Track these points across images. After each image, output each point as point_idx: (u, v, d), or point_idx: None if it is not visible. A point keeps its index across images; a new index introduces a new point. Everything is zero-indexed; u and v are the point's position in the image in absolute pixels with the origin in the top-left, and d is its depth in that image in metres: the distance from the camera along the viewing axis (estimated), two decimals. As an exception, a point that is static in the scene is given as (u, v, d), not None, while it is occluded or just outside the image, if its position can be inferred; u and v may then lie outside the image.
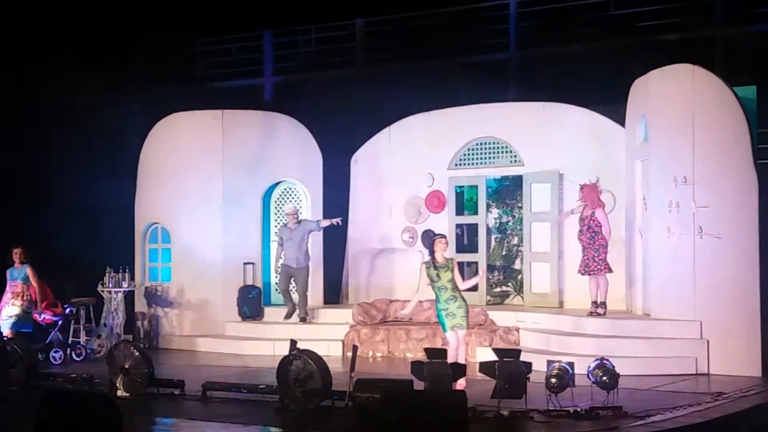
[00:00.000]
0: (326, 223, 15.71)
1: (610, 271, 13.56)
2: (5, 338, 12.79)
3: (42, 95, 17.63)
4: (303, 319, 15.37)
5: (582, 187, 13.84)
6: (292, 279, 15.50)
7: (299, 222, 15.52)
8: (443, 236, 11.73)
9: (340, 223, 15.83)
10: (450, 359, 10.65)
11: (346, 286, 17.07)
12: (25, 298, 13.74)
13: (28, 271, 13.81)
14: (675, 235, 12.95)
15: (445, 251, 11.49)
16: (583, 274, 13.63)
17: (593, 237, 13.48)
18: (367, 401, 9.20)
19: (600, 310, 13.47)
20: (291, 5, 19.38)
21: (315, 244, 16.77)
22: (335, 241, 16.98)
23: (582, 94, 15.70)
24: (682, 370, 12.21)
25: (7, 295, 13.82)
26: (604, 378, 9.89)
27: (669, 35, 17.11)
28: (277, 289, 16.25)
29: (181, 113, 16.84)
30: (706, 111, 12.85)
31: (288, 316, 15.36)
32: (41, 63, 17.22)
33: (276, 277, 16.42)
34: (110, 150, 17.34)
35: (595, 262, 13.49)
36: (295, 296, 15.53)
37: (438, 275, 11.31)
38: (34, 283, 13.81)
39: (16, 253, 13.83)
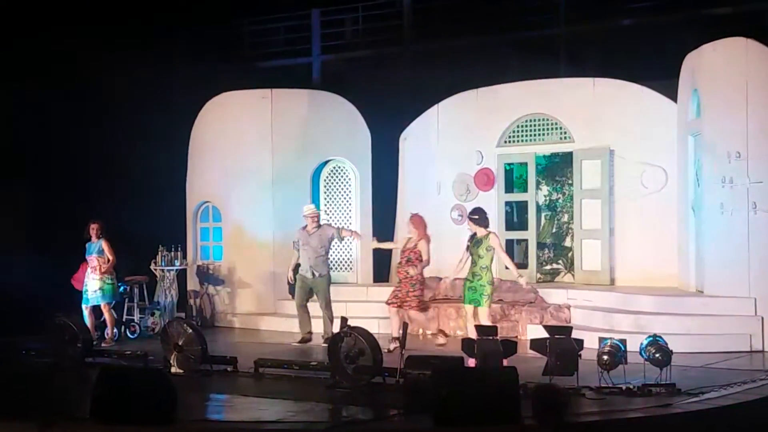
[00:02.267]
0: (347, 233, 14.31)
1: (421, 309, 12.98)
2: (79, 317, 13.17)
3: (94, 73, 17.81)
4: (326, 341, 12.94)
5: (412, 217, 13.31)
6: (310, 292, 13.85)
7: (319, 225, 13.92)
8: (475, 217, 11.78)
9: (360, 236, 14.71)
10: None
11: (394, 264, 17.09)
12: (103, 270, 13.93)
13: (103, 244, 13.99)
14: (729, 212, 12.81)
15: (485, 227, 11.67)
16: (390, 304, 12.95)
17: (412, 270, 12.83)
18: (417, 378, 9.24)
19: (392, 345, 12.29)
20: (339, -16, 19.40)
21: (364, 222, 16.81)
22: (384, 219, 17.00)
23: (632, 70, 15.53)
24: (736, 348, 12.09)
25: (88, 270, 14.00)
26: (657, 355, 9.82)
27: (721, 8, 16.85)
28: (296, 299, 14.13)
29: (230, 92, 16.93)
30: (760, 85, 12.66)
31: (303, 341, 13.68)
32: (93, 41, 17.38)
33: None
34: (162, 129, 17.50)
35: (409, 298, 12.84)
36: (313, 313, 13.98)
37: (470, 249, 11.72)
38: (110, 255, 13.97)
39: (93, 228, 13.99)
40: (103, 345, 13.70)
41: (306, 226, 13.87)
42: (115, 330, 14.32)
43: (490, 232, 11.83)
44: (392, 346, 12.34)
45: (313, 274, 13.65)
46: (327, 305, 13.69)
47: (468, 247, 11.74)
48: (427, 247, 13.00)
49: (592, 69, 16.25)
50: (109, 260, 13.94)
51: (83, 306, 13.90)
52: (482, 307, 11.65)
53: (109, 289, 14.00)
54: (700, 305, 12.89)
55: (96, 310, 14.07)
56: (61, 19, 17.66)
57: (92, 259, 13.95)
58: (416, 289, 12.91)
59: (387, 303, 13.09)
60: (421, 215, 13.42)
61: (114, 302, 14.28)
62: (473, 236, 11.78)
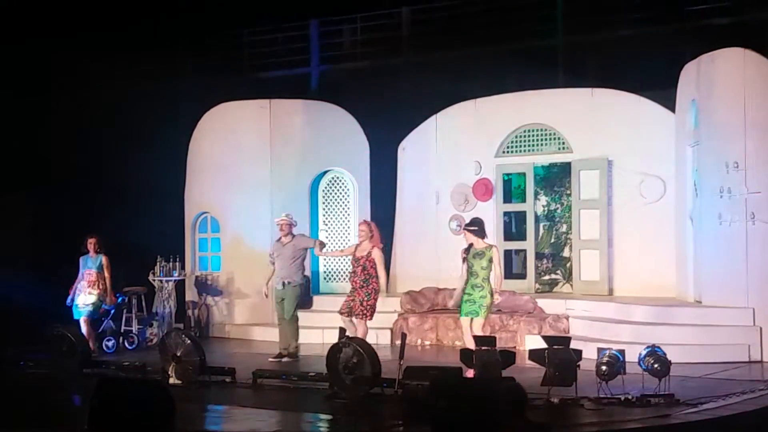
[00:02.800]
0: (320, 249, 13.73)
1: (371, 318, 12.54)
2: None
3: (93, 84, 17.83)
4: (290, 355, 13.26)
5: (362, 223, 13.05)
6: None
7: (293, 236, 13.66)
8: (472, 227, 11.60)
9: (320, 251, 13.86)
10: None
11: (393, 274, 17.09)
12: (100, 286, 13.94)
13: (103, 260, 14.00)
14: (727, 222, 12.82)
15: (477, 240, 11.45)
16: (344, 314, 12.49)
17: (367, 279, 12.45)
18: (416, 389, 9.23)
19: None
20: (336, -6, 19.42)
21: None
22: (383, 230, 16.90)
23: (631, 80, 15.55)
24: (734, 358, 12.09)
25: (83, 283, 13.96)
26: (656, 365, 9.82)
27: (719, 19, 16.86)
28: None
29: (229, 103, 16.96)
30: (758, 95, 12.69)
31: (278, 356, 13.27)
32: (92, 51, 17.41)
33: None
34: (161, 139, 17.51)
35: (362, 306, 12.40)
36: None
37: (469, 261, 11.40)
38: (107, 273, 14.00)
39: (91, 243, 13.99)
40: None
41: (280, 237, 13.67)
42: (112, 340, 14.32)
43: (491, 246, 11.65)
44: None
45: (283, 284, 13.42)
46: (291, 318, 13.40)
47: (465, 259, 11.46)
48: (381, 257, 12.59)
49: (591, 79, 16.26)
50: (105, 278, 13.96)
51: (80, 318, 13.87)
52: (479, 317, 11.47)
53: (99, 305, 14.03)
54: (698, 315, 12.89)
55: (93, 322, 14.06)
56: (59, 28, 17.69)
57: (91, 273, 13.95)
58: (371, 298, 12.49)
59: (339, 312, 12.63)
60: (372, 222, 13.17)
61: (95, 318, 14.26)
62: (470, 248, 11.55)
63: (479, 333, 11.40)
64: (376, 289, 12.55)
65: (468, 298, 11.43)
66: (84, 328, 13.78)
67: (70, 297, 13.96)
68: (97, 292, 13.91)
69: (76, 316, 13.91)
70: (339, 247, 16.52)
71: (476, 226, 11.63)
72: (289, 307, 13.43)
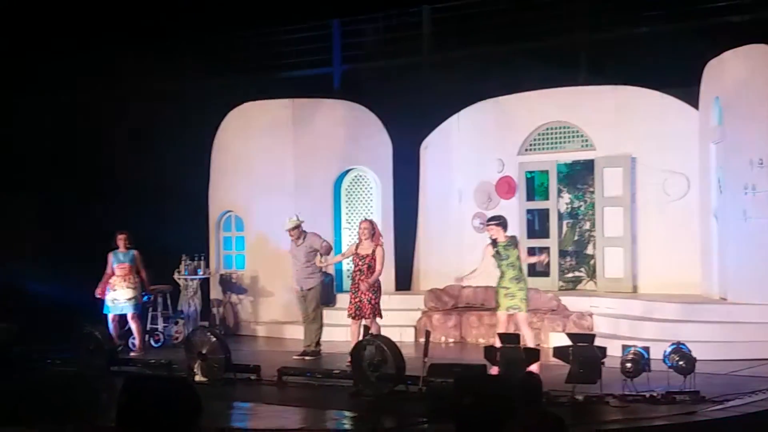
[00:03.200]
0: (321, 259, 13.32)
1: (378, 316, 12.42)
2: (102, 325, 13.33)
3: (118, 83, 17.96)
4: (312, 353, 13.34)
5: (363, 222, 12.92)
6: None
7: (305, 233, 13.64)
8: (494, 223, 11.61)
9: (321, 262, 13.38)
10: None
11: (416, 272, 17.11)
12: (134, 281, 14.06)
13: (135, 254, 14.12)
14: (751, 219, 12.75)
15: (496, 233, 11.46)
16: (354, 318, 12.42)
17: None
18: (440, 386, 9.25)
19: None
20: (358, -6, 19.45)
21: (386, 231, 16.84)
22: (406, 228, 17.04)
23: (654, 77, 15.48)
24: (760, 355, 12.02)
25: (115, 278, 14.03)
26: (681, 363, 9.80)
27: (742, 16, 16.76)
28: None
29: (252, 102, 17.02)
30: (783, 91, 12.61)
31: (303, 353, 13.36)
32: (117, 51, 17.54)
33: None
34: (184, 139, 17.61)
35: (371, 306, 12.34)
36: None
37: (501, 254, 11.40)
38: (141, 267, 14.12)
39: (121, 238, 14.11)
40: (132, 354, 13.78)
41: (291, 239, 13.68)
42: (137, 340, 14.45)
43: (513, 236, 11.74)
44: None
45: (301, 288, 13.52)
46: (314, 318, 13.44)
47: (496, 254, 11.46)
48: (382, 255, 12.59)
49: (614, 77, 16.20)
50: (139, 271, 14.08)
51: (109, 314, 13.97)
52: (523, 312, 11.46)
53: (140, 298, 14.17)
54: (723, 312, 12.84)
55: (120, 319, 14.16)
56: (85, 29, 17.83)
57: (124, 267, 14.03)
58: (378, 296, 12.47)
59: (348, 317, 12.59)
60: (373, 221, 13.14)
61: (140, 312, 14.43)
62: (495, 243, 11.55)
63: (525, 327, 11.41)
64: (378, 287, 12.52)
65: (507, 292, 11.40)
66: (133, 325, 14.02)
67: (98, 292, 14.05)
68: (133, 285, 14.02)
69: (111, 312, 13.99)
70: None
71: (499, 219, 11.68)
72: (309, 308, 13.51)
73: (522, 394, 7.40)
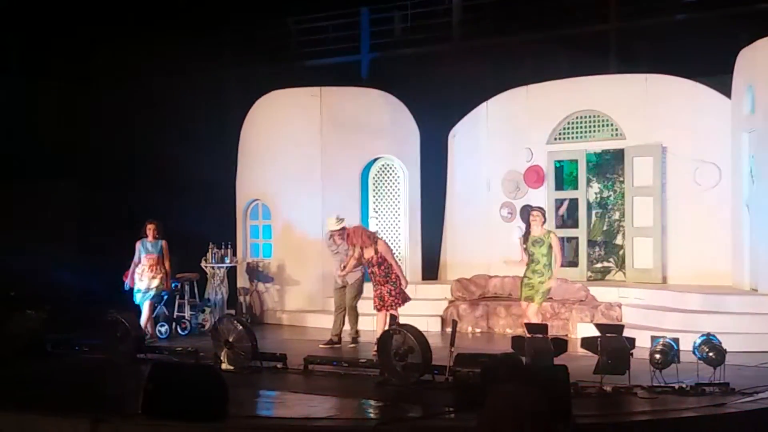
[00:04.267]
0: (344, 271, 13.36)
1: (403, 304, 12.59)
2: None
3: (145, 74, 18.01)
4: (353, 339, 13.50)
5: (351, 231, 12.98)
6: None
7: (345, 235, 13.40)
8: (538, 209, 11.82)
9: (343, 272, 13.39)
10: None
11: (443, 261, 17.06)
12: (161, 271, 14.11)
13: (163, 245, 14.16)
14: (784, 209, 12.60)
15: (542, 225, 11.64)
16: (379, 309, 12.60)
17: (387, 273, 12.53)
18: (467, 376, 9.19)
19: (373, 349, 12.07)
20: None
21: (413, 220, 16.82)
22: (433, 217, 16.98)
23: (685, 65, 15.34)
24: (791, 347, 11.89)
25: (142, 267, 14.06)
26: (711, 354, 9.69)
27: (776, 3, 16.58)
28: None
29: (279, 91, 17.00)
30: (817, 80, 12.43)
31: (329, 342, 13.44)
32: (144, 42, 17.59)
33: None
34: (212, 128, 17.67)
35: (392, 297, 12.51)
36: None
37: (529, 250, 11.69)
38: (167, 258, 14.16)
39: (151, 228, 14.13)
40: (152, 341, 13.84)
41: (332, 236, 13.72)
42: (165, 326, 14.47)
43: (550, 232, 11.81)
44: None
45: (341, 281, 13.53)
46: (352, 308, 13.48)
47: (525, 247, 11.71)
48: (387, 249, 12.75)
49: (645, 65, 16.07)
50: (164, 262, 14.11)
51: (143, 303, 14.01)
52: (534, 304, 11.68)
53: (162, 290, 14.19)
54: (754, 303, 12.70)
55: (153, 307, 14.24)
56: (111, 19, 17.88)
57: (152, 258, 14.07)
58: (397, 287, 12.55)
59: (375, 308, 12.74)
60: (360, 227, 13.31)
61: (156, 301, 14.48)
62: (527, 235, 11.73)
63: (534, 319, 11.54)
64: (399, 276, 12.62)
65: (527, 282, 11.74)
66: (147, 312, 14.00)
67: (127, 282, 14.10)
68: (159, 276, 14.07)
69: (139, 301, 14.05)
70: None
71: (543, 210, 11.97)
72: (349, 296, 13.47)
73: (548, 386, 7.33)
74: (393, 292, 12.53)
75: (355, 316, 13.64)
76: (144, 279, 14.01)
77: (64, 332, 13.43)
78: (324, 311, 16.00)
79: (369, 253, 12.71)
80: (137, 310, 13.89)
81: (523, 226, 15.85)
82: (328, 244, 13.98)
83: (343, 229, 13.47)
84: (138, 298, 14.03)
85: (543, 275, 11.68)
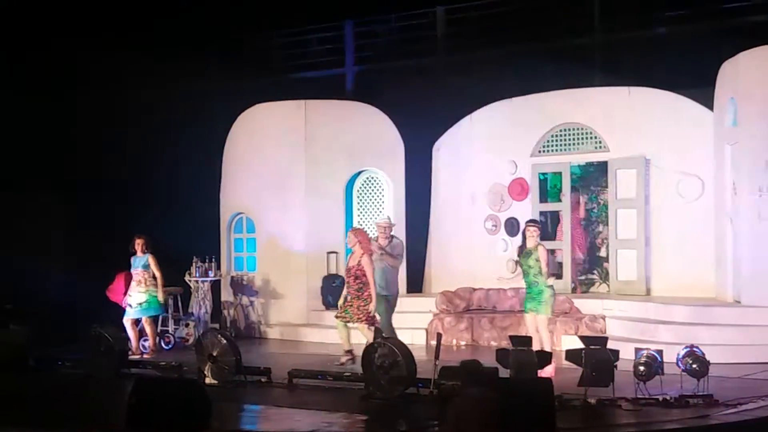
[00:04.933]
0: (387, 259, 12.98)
1: (370, 324, 12.39)
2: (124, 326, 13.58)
3: (130, 86, 17.97)
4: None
5: (350, 231, 13.00)
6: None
7: (392, 238, 13.13)
8: (535, 224, 11.87)
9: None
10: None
11: (428, 274, 17.05)
12: (148, 284, 14.07)
13: (150, 259, 14.13)
14: (766, 221, 12.66)
15: (535, 237, 11.66)
16: (345, 321, 12.55)
17: (361, 288, 12.36)
18: (451, 389, 9.19)
19: (344, 358, 12.57)
20: (371, -6, 19.43)
21: (398, 233, 16.76)
22: (418, 230, 16.99)
23: (668, 78, 15.41)
24: (774, 358, 11.93)
25: (132, 283, 14.11)
26: (694, 366, 9.72)
27: (757, 16, 16.66)
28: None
29: (263, 104, 17.01)
30: (798, 93, 12.51)
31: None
32: (129, 54, 17.56)
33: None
34: (196, 141, 17.62)
35: (359, 312, 12.35)
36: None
37: (520, 261, 11.79)
38: (156, 271, 14.11)
39: (139, 243, 14.12)
40: (145, 357, 13.78)
41: (377, 237, 13.15)
42: (149, 341, 14.41)
43: (539, 244, 11.81)
44: (344, 359, 12.51)
45: (388, 290, 12.92)
46: (388, 323, 12.92)
47: (520, 259, 11.83)
48: (370, 264, 12.40)
49: (628, 78, 16.12)
50: (155, 275, 14.08)
51: (125, 319, 13.99)
52: (542, 315, 11.65)
53: (154, 302, 14.15)
54: (737, 315, 12.74)
55: (134, 323, 14.18)
56: (97, 31, 17.85)
57: (138, 273, 14.06)
58: (368, 305, 12.36)
59: (336, 317, 12.71)
60: (359, 229, 13.23)
61: (158, 315, 14.44)
62: (523, 247, 11.75)
63: (545, 330, 11.61)
64: (371, 294, 12.35)
65: (528, 295, 11.82)
66: (147, 328, 14.07)
67: (112, 293, 14.14)
68: (145, 289, 14.03)
69: (127, 316, 14.03)
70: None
71: (539, 224, 12.18)
72: (391, 314, 12.93)
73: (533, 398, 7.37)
74: (362, 308, 12.38)
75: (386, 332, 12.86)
76: (133, 294, 14.01)
77: (48, 347, 13.37)
78: (309, 325, 15.99)
79: (354, 260, 12.57)
80: (121, 324, 13.84)
81: (507, 238, 15.96)
82: (374, 250, 12.92)
83: (390, 229, 13.08)
84: (126, 312, 14.03)
85: (538, 284, 11.67)
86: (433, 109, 17.96)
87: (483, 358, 12.34)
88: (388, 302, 12.97)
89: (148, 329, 14.13)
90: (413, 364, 10.30)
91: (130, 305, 14.03)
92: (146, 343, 14.34)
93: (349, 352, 12.59)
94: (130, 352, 13.48)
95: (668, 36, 17.32)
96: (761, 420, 8.86)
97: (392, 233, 13.30)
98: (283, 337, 15.95)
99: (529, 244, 11.74)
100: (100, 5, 18.08)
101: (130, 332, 13.92)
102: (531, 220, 12.30)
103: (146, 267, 14.09)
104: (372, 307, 12.38)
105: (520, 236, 12.74)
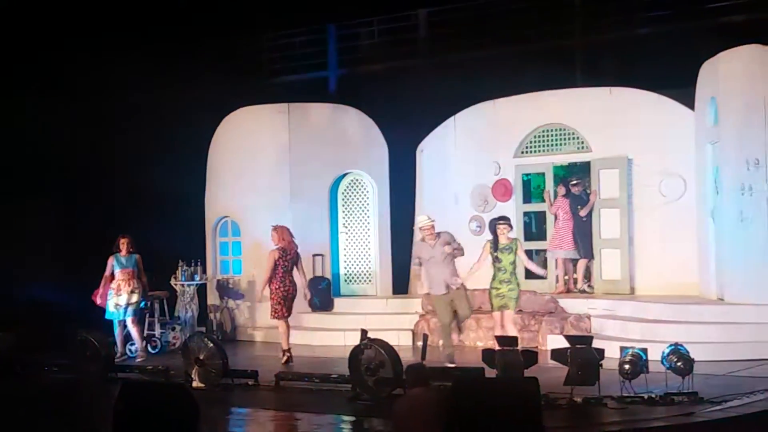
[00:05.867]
0: (450, 250, 12.46)
1: (280, 318, 13.40)
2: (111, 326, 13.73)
3: (113, 90, 17.93)
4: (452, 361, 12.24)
5: (275, 228, 13.68)
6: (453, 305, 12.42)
7: (437, 235, 12.61)
8: (505, 221, 11.95)
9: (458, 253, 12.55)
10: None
11: (414, 276, 17.08)
12: (137, 285, 14.05)
13: (138, 259, 14.10)
14: (748, 219, 12.77)
15: (506, 234, 11.79)
16: (279, 318, 13.46)
17: (271, 280, 13.41)
18: (438, 389, 9.21)
19: (283, 358, 13.20)
20: (353, -2, 19.45)
21: (382, 235, 16.86)
22: (403, 231, 17.01)
23: (649, 78, 15.49)
24: (758, 355, 11.99)
25: (118, 283, 13.96)
26: (679, 363, 9.79)
27: (737, 16, 16.77)
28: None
29: (247, 107, 17.01)
30: (778, 92, 12.61)
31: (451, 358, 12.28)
32: (113, 57, 17.52)
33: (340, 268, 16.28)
34: (180, 145, 17.58)
35: (272, 308, 13.50)
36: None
37: (498, 257, 11.82)
38: (142, 271, 14.12)
39: (124, 243, 14.05)
40: (138, 360, 13.76)
41: (423, 238, 12.66)
42: (135, 345, 14.38)
43: (515, 239, 11.95)
44: (283, 359, 12.99)
45: (448, 288, 12.37)
46: (470, 313, 12.61)
47: (492, 255, 11.88)
48: (269, 257, 13.48)
49: (609, 78, 16.21)
50: (140, 276, 14.07)
51: (116, 320, 13.93)
52: (510, 310, 11.82)
53: (141, 304, 14.17)
54: (721, 313, 12.83)
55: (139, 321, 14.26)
56: (81, 34, 17.81)
57: (126, 272, 13.98)
58: (272, 298, 13.41)
59: (275, 317, 13.54)
60: (279, 226, 13.78)
61: (140, 317, 14.46)
62: (496, 242, 11.83)
63: (511, 326, 11.70)
64: (278, 288, 13.34)
65: (497, 293, 11.88)
66: (133, 330, 13.98)
67: (98, 299, 14.01)
68: (138, 290, 14.01)
69: (114, 318, 13.96)
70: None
71: (508, 220, 12.15)
72: (467, 304, 12.42)
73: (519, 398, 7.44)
74: (272, 303, 13.38)
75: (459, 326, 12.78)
76: (122, 294, 13.91)
77: (34, 352, 13.34)
78: (295, 327, 15.95)
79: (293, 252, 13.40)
80: (107, 329, 13.80)
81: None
82: (420, 252, 12.60)
83: (434, 228, 12.54)
84: (113, 314, 13.92)
85: (511, 283, 11.86)
86: (417, 111, 18.01)
87: (469, 358, 12.46)
88: (465, 293, 12.56)
89: (134, 332, 14.04)
90: (400, 365, 10.34)
91: (119, 305, 13.92)
92: (133, 347, 14.30)
93: (286, 351, 13.29)
94: (116, 356, 13.47)
95: (649, 36, 17.40)
96: (746, 417, 8.94)
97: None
98: (269, 339, 15.93)
99: (503, 240, 11.85)
100: (88, 9, 18.05)
101: (120, 334, 13.89)
102: (501, 217, 12.28)
103: (135, 266, 14.06)
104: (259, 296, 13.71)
105: (488, 232, 12.91)
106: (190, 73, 19.43)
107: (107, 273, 13.97)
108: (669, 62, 15.76)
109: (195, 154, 17.32)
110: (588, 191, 15.30)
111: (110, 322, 13.99)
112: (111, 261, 13.99)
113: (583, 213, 15.05)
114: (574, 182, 15.28)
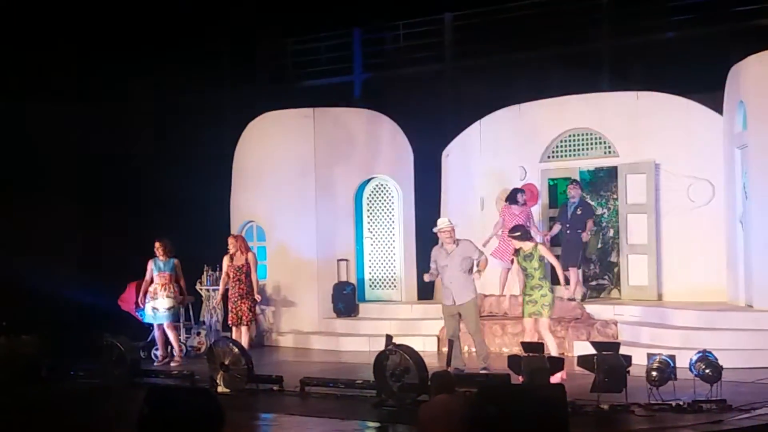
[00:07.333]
0: (480, 268, 12.04)
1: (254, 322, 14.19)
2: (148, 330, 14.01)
3: (140, 96, 18.01)
4: (486, 362, 11.98)
5: (230, 237, 14.39)
6: (460, 318, 12.06)
7: (458, 241, 12.10)
8: (510, 233, 12.06)
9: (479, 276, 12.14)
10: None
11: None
12: (174, 289, 14.08)
13: (176, 263, 14.15)
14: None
15: (525, 241, 11.81)
16: (235, 325, 13.85)
17: (251, 286, 13.98)
18: (464, 396, 9.17)
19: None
20: (379, 2, 19.42)
21: (407, 240, 16.81)
22: (428, 236, 16.91)
23: (677, 83, 15.38)
24: (788, 363, 11.88)
25: (155, 287, 14.00)
26: (707, 371, 9.69)
27: (765, 19, 16.64)
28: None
29: (273, 112, 17.02)
30: (808, 96, 12.47)
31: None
32: (140, 65, 17.61)
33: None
34: (205, 150, 17.64)
35: (251, 313, 13.98)
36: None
37: (521, 264, 11.83)
38: (180, 275, 14.17)
39: (159, 247, 14.07)
40: (172, 364, 13.80)
41: (442, 243, 12.19)
42: (160, 350, 14.40)
43: (537, 245, 11.89)
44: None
45: (454, 303, 11.96)
46: (477, 330, 12.13)
47: (519, 262, 11.85)
48: (254, 260, 14.15)
49: (636, 82, 16.12)
50: (178, 280, 14.11)
51: (156, 324, 13.99)
52: (543, 318, 11.73)
53: (178, 308, 14.22)
54: (750, 320, 12.70)
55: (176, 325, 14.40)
56: (111, 40, 17.92)
57: (164, 276, 14.01)
58: (254, 305, 13.92)
59: (230, 325, 13.83)
60: (239, 235, 14.57)
61: (177, 321, 14.59)
62: (518, 252, 11.81)
63: (546, 333, 11.61)
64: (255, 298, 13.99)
65: (529, 299, 11.77)
66: (170, 334, 14.04)
67: (124, 302, 14.12)
68: (174, 295, 14.03)
69: (151, 321, 14.03)
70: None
71: (518, 232, 11.97)
72: (470, 324, 12.07)
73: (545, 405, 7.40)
74: (252, 309, 13.81)
75: (480, 340, 12.23)
76: (158, 298, 13.95)
77: (60, 357, 13.38)
78: (320, 332, 15.98)
79: (241, 260, 13.86)
80: (132, 334, 13.84)
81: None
82: (437, 257, 12.16)
83: (454, 231, 12.05)
84: (149, 317, 13.99)
85: (542, 288, 11.75)
86: (442, 116, 17.97)
87: (494, 364, 12.38)
88: (474, 308, 12.28)
89: (172, 336, 14.07)
90: (425, 371, 10.29)
91: (156, 309, 13.95)
92: (158, 352, 14.30)
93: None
94: (160, 358, 13.83)
95: (676, 40, 17.30)
96: (775, 424, 8.83)
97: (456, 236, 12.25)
98: (294, 344, 15.94)
99: (525, 248, 11.81)
100: (109, 14, 18.15)
101: (161, 338, 13.97)
102: (511, 229, 12.34)
103: (173, 270, 14.10)
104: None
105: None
106: (215, 79, 19.51)
107: (147, 277, 14.04)
108: (696, 66, 15.65)
109: (220, 158, 17.35)
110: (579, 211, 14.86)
111: (136, 326, 14.05)
112: (150, 265, 14.06)
113: (585, 237, 14.85)
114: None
